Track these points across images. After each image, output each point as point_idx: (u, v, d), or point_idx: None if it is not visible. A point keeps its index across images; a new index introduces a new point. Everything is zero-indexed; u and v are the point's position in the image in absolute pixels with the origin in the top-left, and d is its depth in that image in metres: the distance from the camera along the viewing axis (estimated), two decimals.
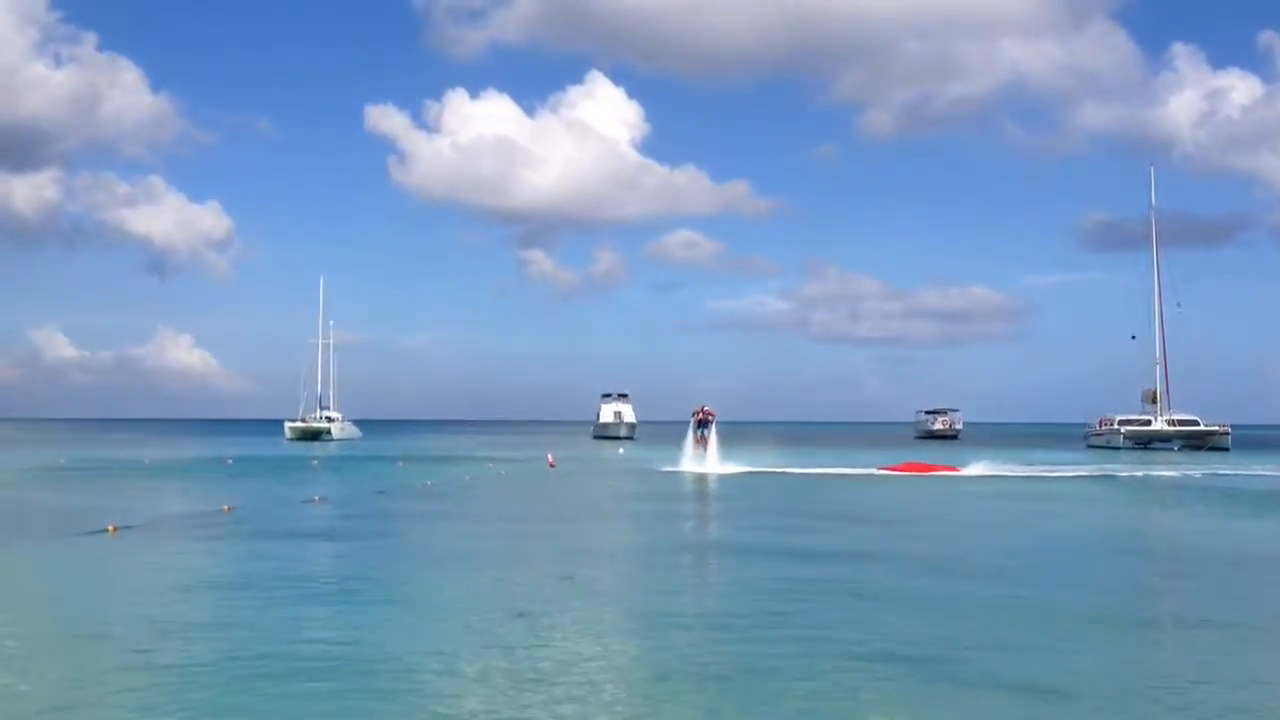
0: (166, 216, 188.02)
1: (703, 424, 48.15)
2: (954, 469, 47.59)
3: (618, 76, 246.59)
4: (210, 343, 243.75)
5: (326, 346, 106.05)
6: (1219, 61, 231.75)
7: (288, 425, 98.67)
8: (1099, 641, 12.33)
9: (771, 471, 46.38)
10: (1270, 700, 9.91)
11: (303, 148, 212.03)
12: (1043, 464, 55.37)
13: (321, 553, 20.16)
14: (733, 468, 46.87)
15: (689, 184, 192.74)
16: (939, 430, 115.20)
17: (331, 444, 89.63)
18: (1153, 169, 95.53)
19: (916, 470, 47.86)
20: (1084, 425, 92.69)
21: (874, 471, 47.28)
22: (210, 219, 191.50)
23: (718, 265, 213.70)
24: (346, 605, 14.28)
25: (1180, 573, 19.49)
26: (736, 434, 52.44)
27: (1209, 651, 11.86)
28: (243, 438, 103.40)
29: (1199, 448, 78.77)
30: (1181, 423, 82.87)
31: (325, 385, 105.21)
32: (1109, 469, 53.04)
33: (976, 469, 47.66)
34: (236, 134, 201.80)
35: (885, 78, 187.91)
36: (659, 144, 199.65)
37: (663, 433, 67.79)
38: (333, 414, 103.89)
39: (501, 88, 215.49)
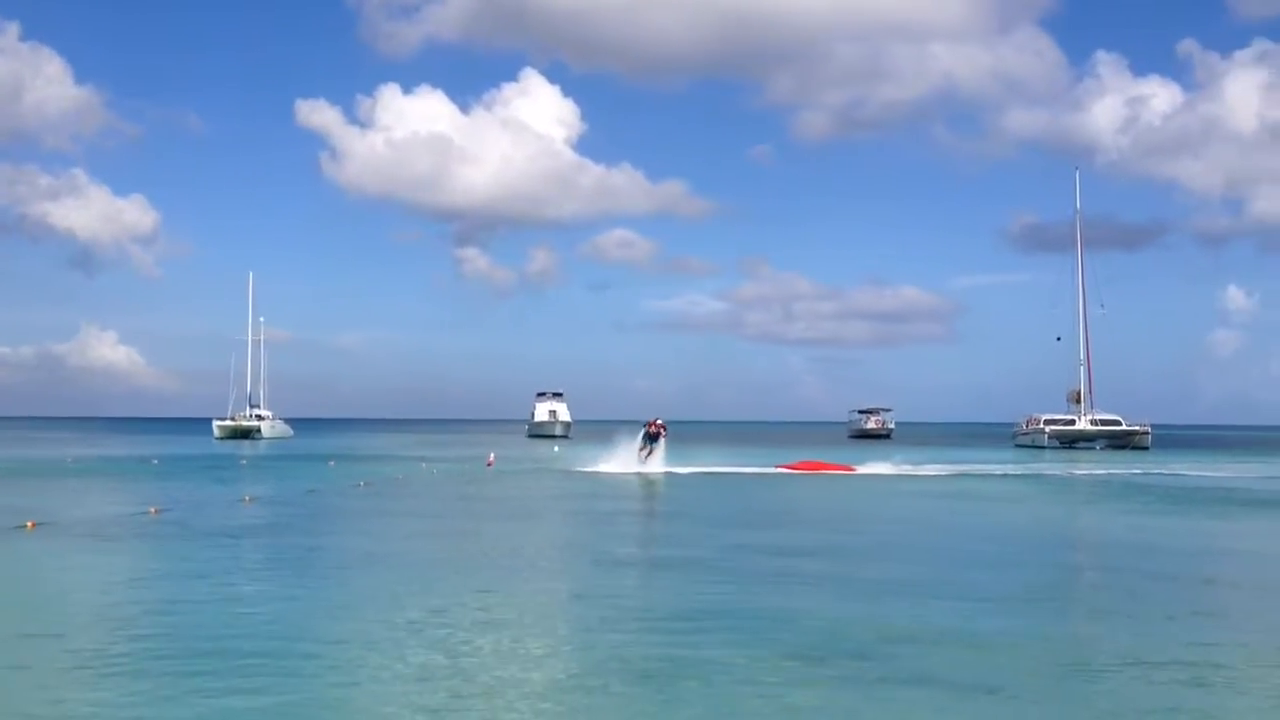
0: (90, 210, 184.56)
1: (653, 437, 47.61)
2: (850, 468, 48.64)
3: (553, 75, 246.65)
4: (136, 339, 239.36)
5: (256, 343, 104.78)
6: (1140, 69, 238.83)
7: (216, 424, 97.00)
8: (1020, 636, 12.68)
9: (693, 472, 46.43)
10: (1190, 685, 10.30)
11: (231, 142, 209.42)
12: (959, 462, 56.59)
13: (248, 554, 19.95)
14: (654, 467, 46.66)
15: (624, 183, 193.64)
16: (872, 429, 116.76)
17: (261, 443, 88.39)
18: (1077, 173, 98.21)
19: (811, 469, 48.73)
20: (1013, 425, 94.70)
21: (773, 470, 47.99)
22: (135, 213, 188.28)
23: (653, 265, 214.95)
24: (269, 607, 14.19)
25: (1097, 566, 20.10)
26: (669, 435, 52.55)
27: (1127, 643, 12.22)
28: (170, 436, 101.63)
29: (1122, 447, 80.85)
30: (1105, 422, 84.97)
31: (255, 383, 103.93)
32: (1033, 468, 54.20)
33: (873, 468, 48.77)
34: (163, 127, 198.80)
35: (818, 80, 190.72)
36: (595, 143, 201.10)
37: (598, 432, 67.87)
38: (263, 412, 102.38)
39: (435, 84, 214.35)
